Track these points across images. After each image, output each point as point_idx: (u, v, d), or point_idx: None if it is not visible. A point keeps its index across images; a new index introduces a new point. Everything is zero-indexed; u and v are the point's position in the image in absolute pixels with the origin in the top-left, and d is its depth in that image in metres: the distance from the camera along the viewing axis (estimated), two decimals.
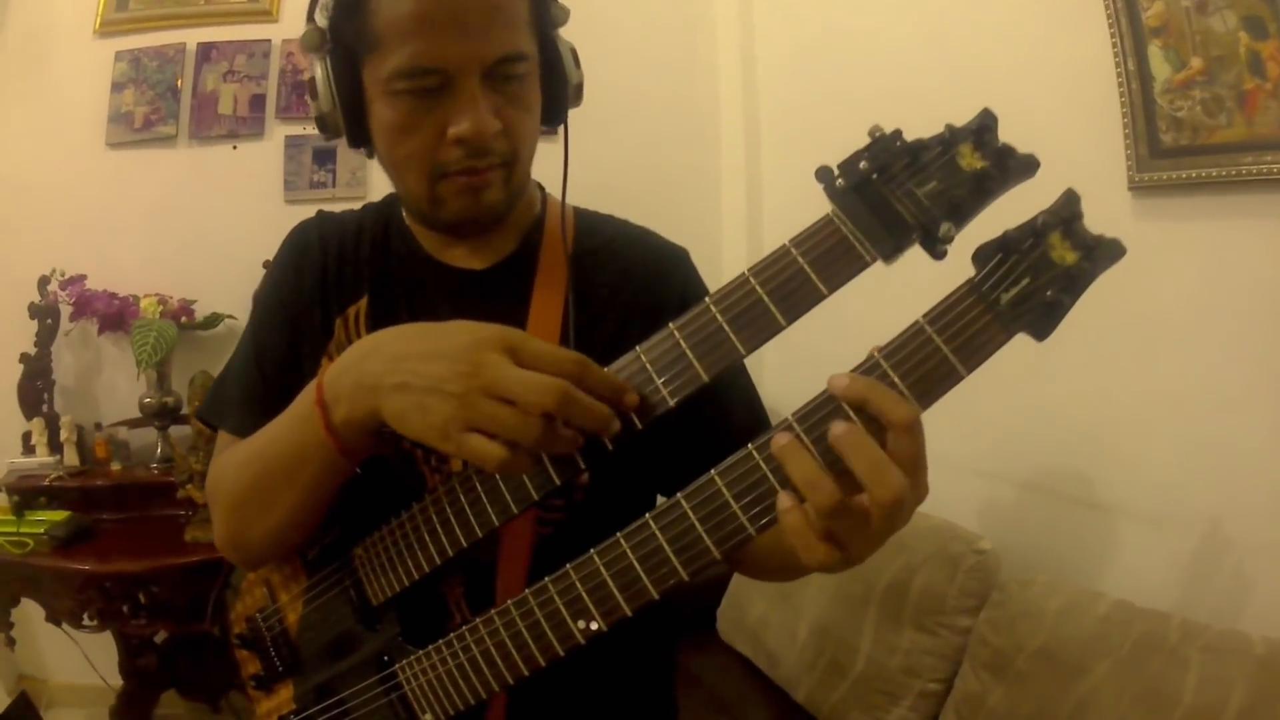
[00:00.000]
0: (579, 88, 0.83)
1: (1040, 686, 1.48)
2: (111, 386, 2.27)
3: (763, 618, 2.07)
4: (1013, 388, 1.65)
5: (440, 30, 0.69)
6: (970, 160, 0.56)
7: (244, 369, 0.87)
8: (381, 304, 0.85)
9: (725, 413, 0.83)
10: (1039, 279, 0.54)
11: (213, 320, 2.20)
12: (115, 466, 2.24)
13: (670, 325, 0.62)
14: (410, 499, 0.73)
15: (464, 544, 0.69)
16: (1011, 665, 1.54)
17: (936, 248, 0.57)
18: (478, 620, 0.68)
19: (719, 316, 0.60)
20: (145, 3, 2.08)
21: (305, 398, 0.70)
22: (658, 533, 0.60)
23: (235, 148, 2.22)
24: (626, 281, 0.85)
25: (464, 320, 0.66)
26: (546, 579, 0.65)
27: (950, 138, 0.57)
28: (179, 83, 2.08)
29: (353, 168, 2.34)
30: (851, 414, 0.54)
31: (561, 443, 0.61)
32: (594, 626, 0.62)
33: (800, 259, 0.58)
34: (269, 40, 2.17)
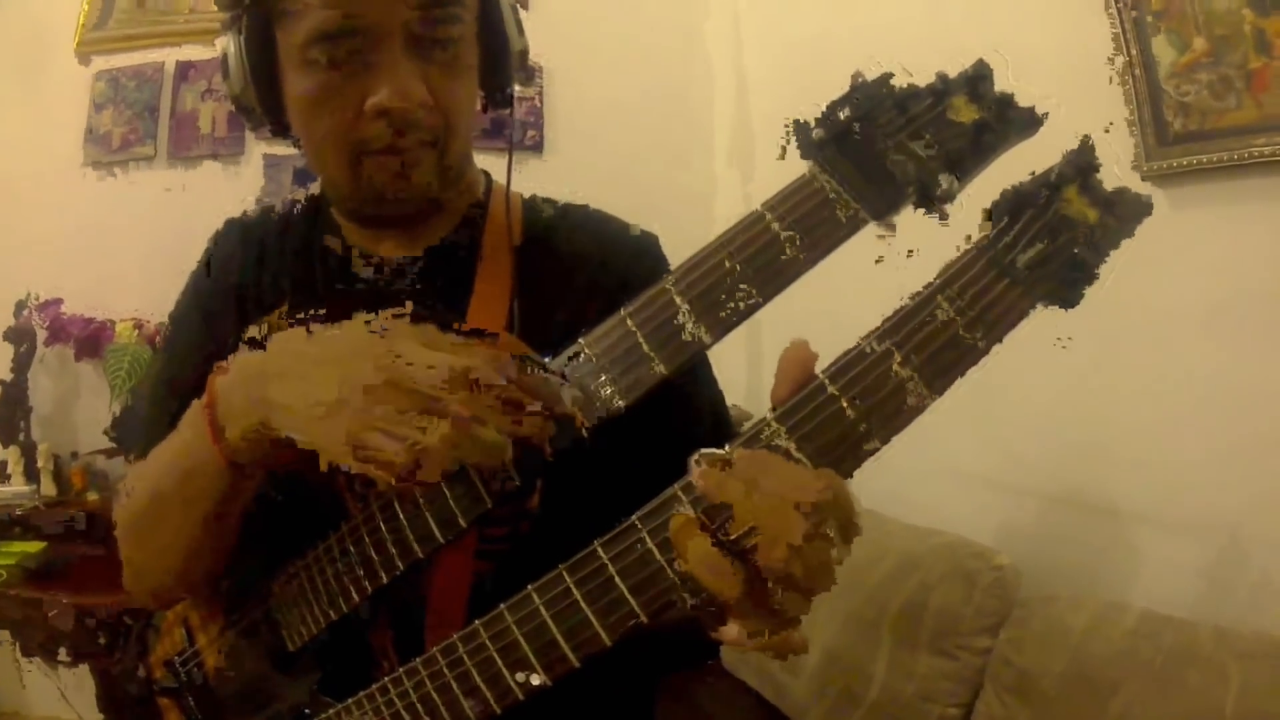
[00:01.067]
0: (523, 55, 0.74)
1: (1070, 708, 1.39)
2: (90, 414, 2.20)
3: None
4: (1024, 394, 1.59)
5: None
6: (966, 112, 0.50)
7: (155, 387, 0.80)
8: (302, 306, 0.76)
9: (693, 419, 0.73)
10: (1058, 239, 0.48)
11: None
12: (92, 496, 2.17)
13: (622, 311, 0.53)
14: (330, 529, 0.64)
15: (384, 580, 0.60)
16: (1037, 687, 1.45)
17: (936, 206, 0.50)
18: (400, 671, 0.58)
19: (679, 299, 0.52)
20: (124, 22, 2.06)
21: (193, 412, 0.62)
22: (609, 564, 0.49)
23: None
24: (583, 269, 0.75)
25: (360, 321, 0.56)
26: (477, 622, 0.54)
27: (943, 88, 0.51)
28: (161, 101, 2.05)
29: None
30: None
31: (482, 446, 0.51)
32: (535, 680, 0.52)
33: (775, 225, 0.51)
34: (225, 56, 2.14)
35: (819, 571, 0.44)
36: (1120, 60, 1.53)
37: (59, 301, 2.13)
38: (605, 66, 2.53)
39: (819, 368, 0.47)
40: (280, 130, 0.72)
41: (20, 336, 2.14)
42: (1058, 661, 1.45)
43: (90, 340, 2.03)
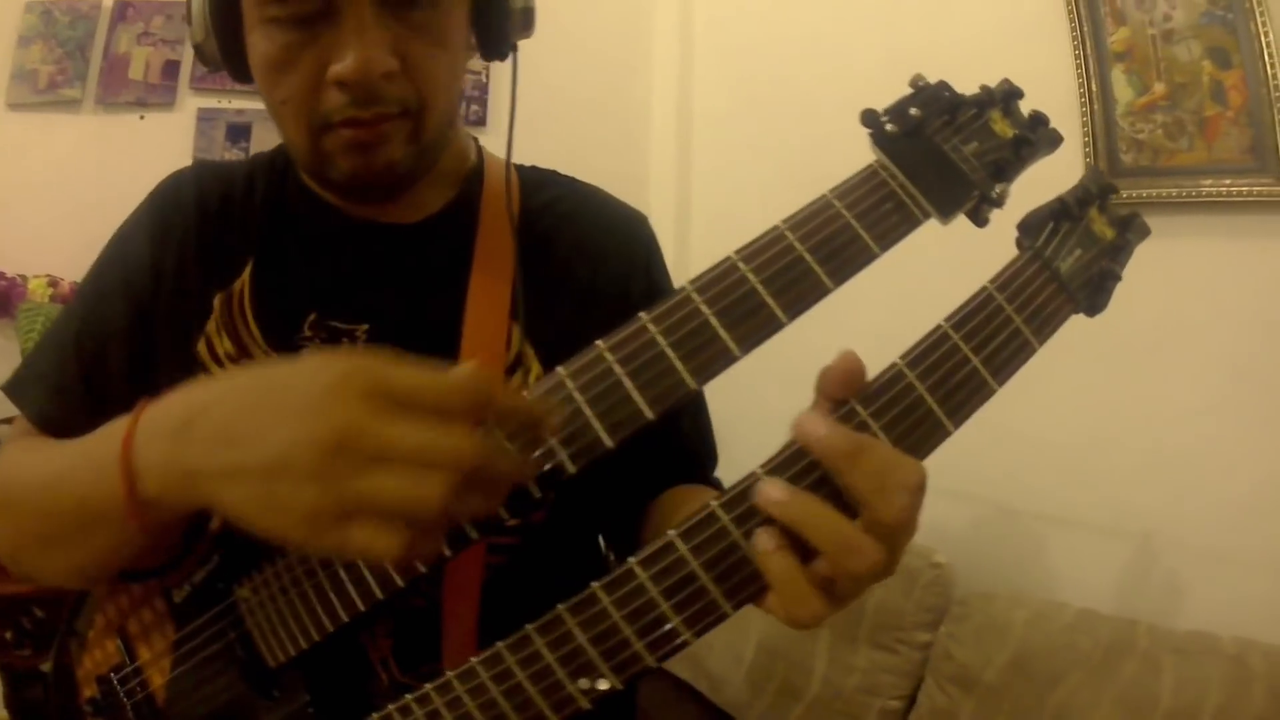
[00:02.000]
0: (527, 13, 0.67)
1: (1014, 698, 1.48)
2: None
3: (704, 639, 2.00)
4: None
5: None
6: (1002, 126, 0.53)
7: (60, 344, 0.70)
8: (272, 269, 0.69)
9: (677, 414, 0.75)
10: (1089, 250, 0.52)
11: None
12: None
13: (686, 286, 0.50)
14: None
15: (400, 584, 0.52)
16: (981, 679, 1.53)
17: (984, 211, 0.53)
18: (429, 688, 0.52)
19: (751, 276, 0.49)
20: None
21: (109, 440, 0.51)
22: (688, 555, 0.46)
23: (142, 117, 2.01)
24: (586, 245, 0.73)
25: (312, 357, 0.47)
26: (529, 628, 0.49)
27: (986, 99, 0.53)
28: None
29: (268, 147, 2.18)
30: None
31: (473, 506, 0.46)
32: (602, 685, 0.48)
33: (845, 212, 0.50)
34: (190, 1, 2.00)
35: (896, 558, 0.46)
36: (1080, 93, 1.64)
37: None
38: (551, 49, 2.50)
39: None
40: (241, 77, 0.65)
41: None
42: (1000, 654, 1.53)
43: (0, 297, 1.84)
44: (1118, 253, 0.53)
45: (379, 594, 0.53)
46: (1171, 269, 1.55)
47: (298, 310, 0.68)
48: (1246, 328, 1.46)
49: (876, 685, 1.69)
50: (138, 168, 2.07)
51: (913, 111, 0.51)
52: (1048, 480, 1.75)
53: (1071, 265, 0.51)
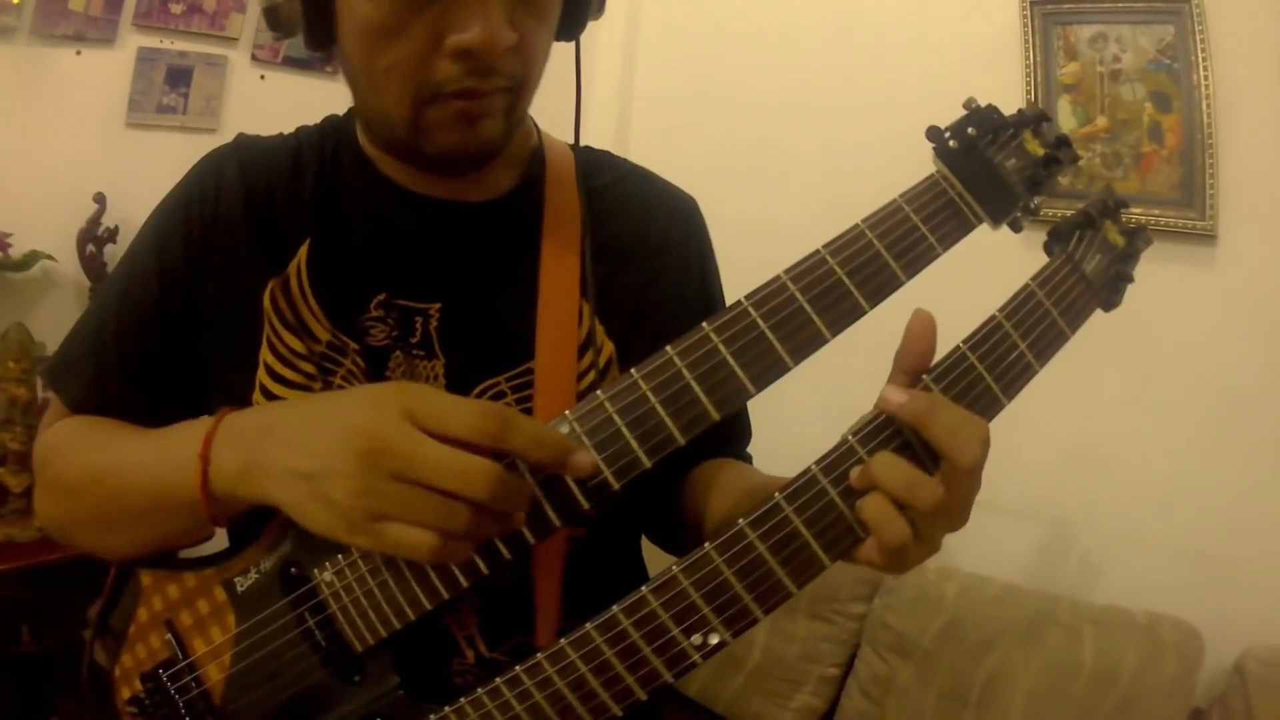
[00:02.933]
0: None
1: (950, 662, 1.63)
2: None
3: None
4: None
5: None
6: (1034, 145, 0.60)
7: (98, 334, 0.70)
8: (332, 248, 0.67)
9: None
10: (1106, 256, 0.61)
11: (30, 259, 1.82)
12: None
13: (781, 275, 0.55)
14: None
15: (508, 556, 0.54)
16: (918, 646, 1.68)
17: (1022, 220, 0.60)
18: (540, 657, 0.54)
19: (838, 269, 0.55)
20: None
21: (187, 438, 0.58)
22: (792, 515, 0.52)
23: (79, 53, 1.85)
24: (647, 230, 0.74)
25: (364, 386, 0.56)
26: (644, 589, 0.53)
27: (1021, 121, 0.60)
28: None
29: (208, 95, 2.05)
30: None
31: (500, 526, 0.52)
32: (714, 640, 0.52)
33: (913, 215, 0.57)
34: None
35: (969, 503, 0.52)
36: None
37: None
38: None
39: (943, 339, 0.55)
40: (320, 44, 0.62)
41: None
42: (934, 622, 1.67)
43: None
44: (1129, 259, 0.62)
45: (484, 569, 0.54)
46: None
47: (364, 289, 0.67)
48: (1159, 341, 1.65)
49: (816, 654, 1.81)
50: (68, 107, 1.93)
51: (970, 130, 0.58)
52: None
53: (1094, 268, 0.60)
